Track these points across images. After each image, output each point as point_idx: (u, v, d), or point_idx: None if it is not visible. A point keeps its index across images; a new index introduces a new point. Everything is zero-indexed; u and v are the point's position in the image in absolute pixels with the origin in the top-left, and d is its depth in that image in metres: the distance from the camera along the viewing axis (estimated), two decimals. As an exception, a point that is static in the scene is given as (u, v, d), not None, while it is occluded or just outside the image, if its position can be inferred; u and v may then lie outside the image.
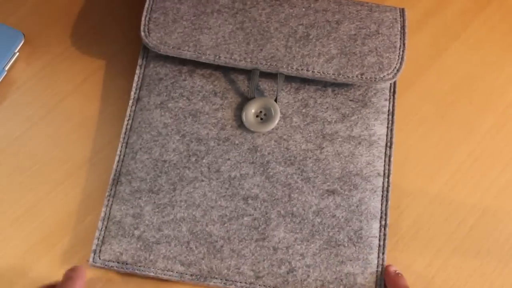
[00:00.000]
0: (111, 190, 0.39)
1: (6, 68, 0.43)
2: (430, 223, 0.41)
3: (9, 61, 0.44)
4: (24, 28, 0.45)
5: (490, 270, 0.40)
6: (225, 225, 0.38)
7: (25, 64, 0.44)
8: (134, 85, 0.42)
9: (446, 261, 0.40)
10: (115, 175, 0.40)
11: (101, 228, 0.38)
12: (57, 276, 0.39)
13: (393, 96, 0.42)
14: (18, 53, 0.44)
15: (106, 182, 0.41)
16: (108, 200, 0.39)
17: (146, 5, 0.42)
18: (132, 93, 0.41)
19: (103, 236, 0.38)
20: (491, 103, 0.44)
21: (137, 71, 0.42)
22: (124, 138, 0.40)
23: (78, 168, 0.42)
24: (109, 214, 0.38)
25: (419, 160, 0.43)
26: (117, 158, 0.40)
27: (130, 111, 0.41)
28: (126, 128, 0.41)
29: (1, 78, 0.43)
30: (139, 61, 0.42)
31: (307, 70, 0.40)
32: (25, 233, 0.40)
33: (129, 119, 0.41)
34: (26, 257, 0.39)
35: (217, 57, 0.40)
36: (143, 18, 0.41)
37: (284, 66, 0.40)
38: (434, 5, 0.47)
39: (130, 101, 0.41)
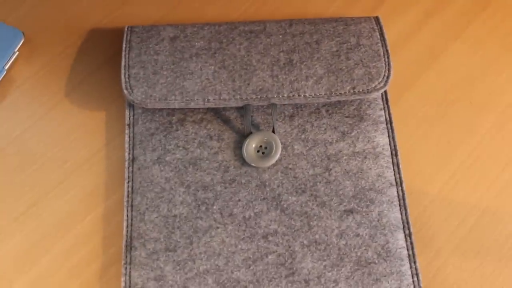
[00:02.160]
0: (126, 257, 0.39)
1: (6, 67, 0.44)
2: (430, 223, 0.42)
3: (9, 60, 0.44)
4: (24, 27, 0.47)
5: (490, 270, 0.41)
6: (251, 267, 0.38)
7: (25, 63, 0.46)
8: (126, 145, 0.42)
9: (446, 261, 0.41)
10: (127, 241, 0.39)
11: (125, 299, 0.38)
12: (57, 275, 0.40)
13: (387, 104, 0.43)
14: (18, 52, 0.45)
15: (105, 182, 0.43)
16: (126, 268, 0.39)
17: (123, 63, 0.42)
18: (126, 154, 0.42)
19: (129, 307, 0.37)
20: (491, 103, 0.46)
21: (127, 131, 0.42)
22: (128, 201, 0.40)
23: (78, 168, 0.43)
24: (130, 282, 0.38)
25: (419, 160, 0.44)
26: (125, 223, 0.40)
27: (128, 172, 0.41)
28: (128, 191, 0.41)
29: (1, 77, 0.44)
30: (127, 120, 0.43)
31: (299, 95, 0.41)
32: (25, 232, 0.41)
33: (128, 181, 0.41)
34: (26, 256, 0.41)
35: (206, 100, 0.41)
36: (122, 76, 0.42)
37: (275, 96, 0.41)
38: (434, 5, 0.49)
39: (126, 163, 0.41)
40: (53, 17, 0.48)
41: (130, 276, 0.39)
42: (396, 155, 0.42)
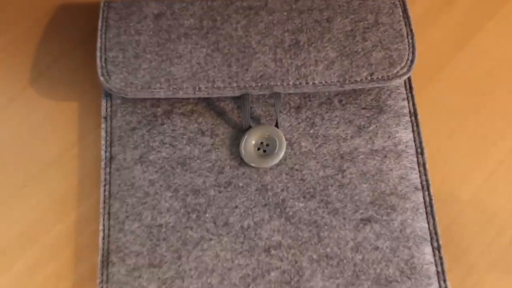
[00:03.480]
0: (102, 274, 0.37)
1: None
2: (462, 233, 0.41)
3: None
4: None
5: None
6: (250, 287, 0.37)
7: None
8: (103, 142, 0.40)
9: (481, 279, 0.40)
10: (103, 255, 0.38)
11: (102, 325, 0.36)
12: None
13: (411, 93, 0.42)
14: None
15: (78, 185, 0.42)
16: (102, 287, 0.37)
17: (98, 45, 0.41)
18: (103, 152, 0.40)
19: (105, 335, 0.36)
20: None
21: (103, 125, 0.41)
22: (104, 208, 0.39)
23: (45, 168, 0.42)
24: None
25: (449, 160, 0.42)
26: (101, 234, 0.38)
27: (105, 173, 0.40)
28: (104, 196, 0.39)
29: None
30: (103, 112, 0.41)
31: (307, 83, 0.40)
32: None
33: (105, 184, 0.40)
34: None
35: (197, 88, 0.40)
36: (98, 60, 0.41)
37: (279, 84, 0.40)
38: None
39: (102, 162, 0.40)
40: None
41: (107, 298, 0.36)
42: (422, 153, 0.41)
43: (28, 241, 0.40)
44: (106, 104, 0.42)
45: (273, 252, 0.38)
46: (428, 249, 0.38)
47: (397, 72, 0.41)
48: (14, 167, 0.42)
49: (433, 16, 0.48)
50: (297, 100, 0.42)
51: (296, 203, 0.39)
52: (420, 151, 0.41)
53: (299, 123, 0.41)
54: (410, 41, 0.42)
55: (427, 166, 0.41)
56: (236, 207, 0.39)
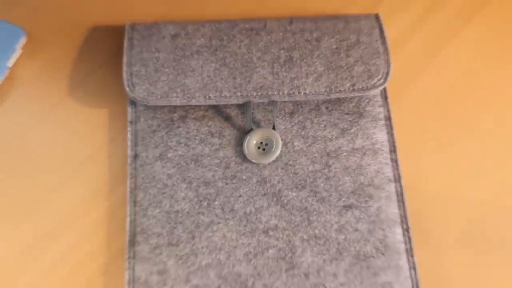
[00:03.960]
0: (129, 252, 0.40)
1: (9, 65, 0.45)
2: (428, 218, 0.43)
3: (12, 57, 0.45)
4: (26, 25, 0.47)
5: (487, 264, 0.42)
6: (252, 262, 0.39)
7: (28, 61, 0.46)
8: (129, 142, 0.42)
9: (444, 255, 0.42)
10: (130, 236, 0.40)
11: (129, 292, 0.39)
12: (62, 270, 0.41)
13: (386, 101, 0.44)
14: (21, 50, 0.46)
15: (108, 178, 0.43)
16: (129, 262, 0.39)
17: (125, 61, 0.42)
18: (129, 151, 0.42)
19: (133, 300, 0.38)
20: (490, 100, 0.46)
21: (129, 128, 0.43)
22: (131, 197, 0.41)
23: (81, 165, 0.44)
24: (133, 276, 0.39)
25: (418, 157, 0.45)
26: (128, 218, 0.41)
27: (131, 169, 0.42)
28: (131, 187, 0.41)
29: (5, 75, 0.45)
30: (129, 117, 0.43)
31: (299, 92, 0.42)
32: (30, 228, 0.42)
33: (131, 178, 0.42)
34: (32, 251, 0.42)
35: (207, 97, 0.42)
36: (124, 74, 0.42)
37: (275, 93, 0.42)
38: (433, 3, 0.49)
39: (129, 159, 0.42)
40: (56, 15, 0.48)
41: (133, 270, 0.40)
42: (395, 151, 0.43)
43: (69, 225, 0.42)
44: (131, 111, 0.43)
45: (270, 233, 0.40)
46: (399, 230, 0.41)
47: (375, 83, 0.42)
48: (57, 164, 0.44)
49: (405, 36, 0.48)
50: (291, 107, 0.44)
51: (290, 192, 0.41)
52: (393, 149, 0.43)
53: (292, 126, 0.43)
54: (386, 57, 0.43)
55: (399, 162, 0.42)
56: (240, 196, 0.41)
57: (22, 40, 0.46)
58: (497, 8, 0.49)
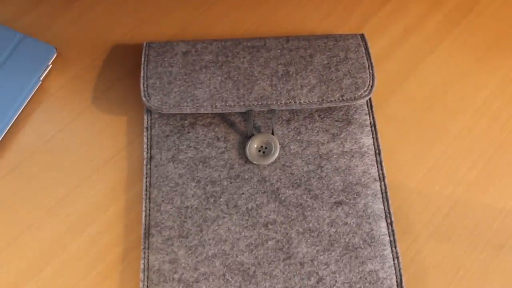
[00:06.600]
0: (144, 243, 0.40)
1: (41, 78, 0.46)
2: (409, 212, 0.43)
3: (44, 72, 0.47)
4: (56, 43, 0.49)
5: (461, 253, 0.42)
6: (253, 252, 0.40)
7: (57, 74, 0.48)
8: (145, 146, 0.43)
9: (422, 245, 0.42)
10: (145, 229, 0.41)
11: (144, 279, 0.39)
12: (85, 258, 0.42)
13: (371, 109, 0.45)
14: (51, 65, 0.47)
15: (126, 177, 0.44)
16: (144, 252, 0.40)
17: (142, 74, 0.43)
18: (144, 153, 0.43)
19: (147, 286, 0.39)
20: (462, 108, 0.47)
21: (145, 133, 0.43)
22: (146, 194, 0.42)
23: (103, 165, 0.44)
24: (148, 264, 0.39)
25: (400, 158, 0.45)
26: (143, 213, 0.41)
27: (146, 169, 0.42)
28: (146, 185, 0.42)
29: (37, 87, 0.46)
30: (145, 124, 0.44)
31: (295, 102, 0.42)
32: (57, 221, 0.43)
33: (147, 177, 0.42)
34: (59, 242, 0.42)
35: (214, 106, 0.42)
36: (141, 86, 0.43)
37: (274, 103, 0.42)
38: (412, 23, 0.50)
39: (144, 161, 0.43)
40: (82, 34, 0.49)
41: (148, 259, 0.40)
42: (379, 154, 0.43)
43: (92, 218, 0.43)
44: (147, 118, 0.44)
45: (270, 226, 0.40)
46: (383, 224, 0.41)
47: (361, 94, 0.43)
48: (81, 165, 0.44)
49: (387, 53, 0.49)
50: (288, 114, 0.44)
51: (287, 190, 0.41)
52: (378, 152, 0.43)
53: (289, 132, 0.43)
54: (371, 71, 0.44)
55: (383, 163, 0.43)
56: (243, 193, 0.41)
57: (53, 57, 0.47)
58: (466, 29, 0.51)
